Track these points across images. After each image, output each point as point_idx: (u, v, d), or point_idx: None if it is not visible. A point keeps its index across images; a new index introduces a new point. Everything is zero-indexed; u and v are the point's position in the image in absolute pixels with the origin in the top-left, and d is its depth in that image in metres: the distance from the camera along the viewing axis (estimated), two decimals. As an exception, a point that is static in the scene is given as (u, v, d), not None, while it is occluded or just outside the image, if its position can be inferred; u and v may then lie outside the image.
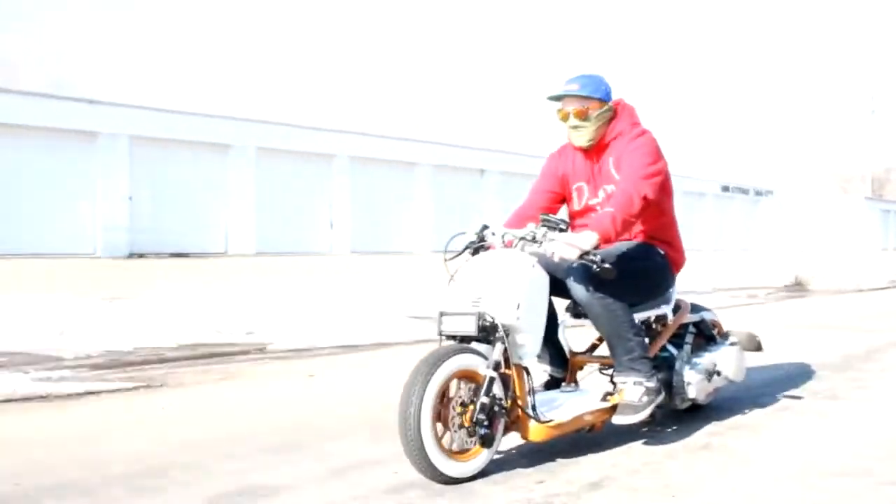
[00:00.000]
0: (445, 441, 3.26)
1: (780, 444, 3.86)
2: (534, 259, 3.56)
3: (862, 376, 5.69)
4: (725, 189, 40.54)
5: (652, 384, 3.80)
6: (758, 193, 43.16)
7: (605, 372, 4.19)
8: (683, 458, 3.64)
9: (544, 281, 3.58)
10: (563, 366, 4.15)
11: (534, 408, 3.49)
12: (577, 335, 4.25)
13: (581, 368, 4.22)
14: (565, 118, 3.96)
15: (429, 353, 3.32)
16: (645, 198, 3.70)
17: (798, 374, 5.65)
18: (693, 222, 35.93)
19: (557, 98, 3.99)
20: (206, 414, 4.58)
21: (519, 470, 3.44)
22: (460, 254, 3.78)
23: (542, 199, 4.09)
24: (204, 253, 18.89)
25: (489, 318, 3.36)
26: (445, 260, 3.77)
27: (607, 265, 3.47)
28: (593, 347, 4.36)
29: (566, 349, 4.14)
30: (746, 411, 4.51)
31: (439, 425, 3.25)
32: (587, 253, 3.47)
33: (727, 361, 4.35)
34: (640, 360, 3.81)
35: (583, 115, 3.90)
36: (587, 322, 3.99)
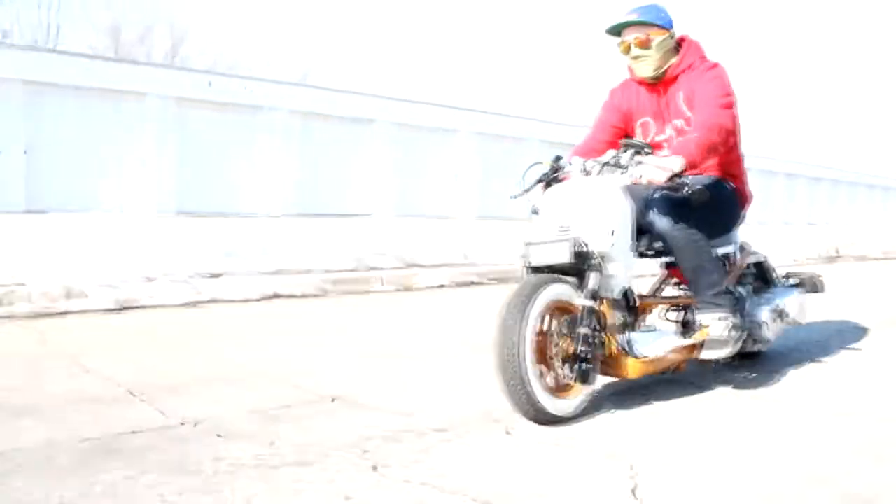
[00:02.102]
0: (547, 378, 3.02)
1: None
2: (621, 184, 3.34)
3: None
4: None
5: (737, 320, 3.62)
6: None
7: (670, 318, 3.99)
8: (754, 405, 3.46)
9: (630, 208, 3.36)
10: (629, 309, 3.93)
11: (629, 342, 3.27)
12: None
13: (648, 312, 4.01)
14: (627, 50, 3.75)
15: (519, 286, 3.07)
16: (726, 127, 3.52)
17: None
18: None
19: (617, 31, 3.78)
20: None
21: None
22: (532, 188, 3.55)
23: (607, 133, 3.88)
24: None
25: (583, 246, 3.13)
26: (523, 191, 3.55)
27: (698, 187, 3.27)
28: (657, 291, 4.15)
29: (634, 291, 3.93)
30: (822, 359, 4.36)
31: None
32: (677, 176, 3.26)
33: (792, 303, 4.19)
34: (724, 295, 3.62)
35: (645, 44, 3.71)
36: (652, 261, 3.81)
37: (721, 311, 3.59)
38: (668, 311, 4.01)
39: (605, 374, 3.31)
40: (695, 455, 2.62)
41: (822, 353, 4.47)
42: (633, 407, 3.25)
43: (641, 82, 3.84)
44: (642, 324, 3.91)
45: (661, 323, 4.03)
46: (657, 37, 3.71)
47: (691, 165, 3.36)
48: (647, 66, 3.75)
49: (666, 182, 3.28)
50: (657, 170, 3.25)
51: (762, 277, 4.32)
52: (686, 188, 3.26)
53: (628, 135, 3.93)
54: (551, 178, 3.53)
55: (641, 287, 4.20)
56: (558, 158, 3.58)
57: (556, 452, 2.65)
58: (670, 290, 4.11)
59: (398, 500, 2.21)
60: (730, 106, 3.59)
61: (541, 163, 3.56)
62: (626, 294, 3.89)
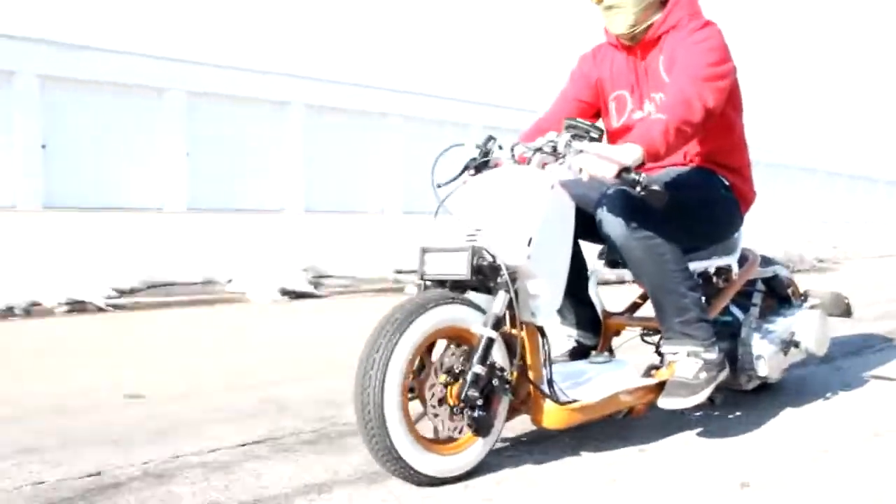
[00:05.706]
0: (422, 425, 2.34)
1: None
2: (554, 178, 2.59)
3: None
4: None
5: (712, 356, 2.83)
6: None
7: (648, 339, 3.23)
8: (755, 460, 2.68)
9: (568, 209, 2.61)
10: (593, 330, 3.19)
11: (550, 383, 2.54)
12: (612, 293, 3.30)
13: (618, 334, 3.26)
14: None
15: (397, 305, 2.38)
16: (707, 106, 2.69)
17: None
18: None
19: None
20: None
21: (531, 467, 2.50)
22: (459, 175, 2.83)
23: (570, 108, 3.10)
24: (132, 208, 15.75)
25: (489, 257, 2.42)
26: (438, 185, 2.82)
27: (656, 187, 2.48)
28: (634, 307, 3.38)
29: (598, 308, 3.18)
30: (830, 395, 3.51)
31: (414, 403, 2.32)
32: (628, 170, 2.48)
33: (807, 329, 3.35)
34: (696, 323, 2.83)
35: None
36: (627, 274, 3.05)
37: (691, 343, 2.82)
38: (643, 333, 3.25)
39: (533, 420, 2.61)
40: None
41: (840, 384, 3.62)
42: (552, 459, 2.54)
43: (618, 46, 3.04)
44: (602, 348, 3.21)
45: (637, 347, 3.28)
46: None
47: (652, 157, 2.58)
48: (622, 21, 2.91)
49: (615, 178, 2.51)
50: (602, 161, 2.48)
51: (775, 293, 3.51)
52: (638, 187, 2.48)
53: (599, 113, 3.16)
54: (480, 164, 2.81)
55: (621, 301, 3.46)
56: (490, 139, 2.83)
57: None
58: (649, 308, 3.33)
59: None
60: (717, 77, 2.75)
61: (462, 144, 2.82)
62: (590, 309, 3.19)
